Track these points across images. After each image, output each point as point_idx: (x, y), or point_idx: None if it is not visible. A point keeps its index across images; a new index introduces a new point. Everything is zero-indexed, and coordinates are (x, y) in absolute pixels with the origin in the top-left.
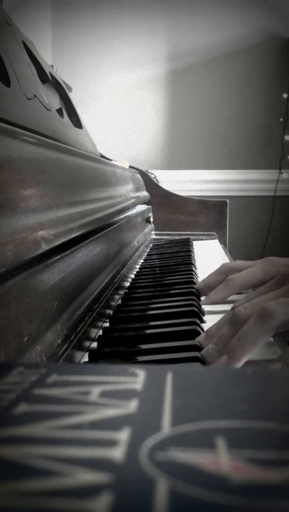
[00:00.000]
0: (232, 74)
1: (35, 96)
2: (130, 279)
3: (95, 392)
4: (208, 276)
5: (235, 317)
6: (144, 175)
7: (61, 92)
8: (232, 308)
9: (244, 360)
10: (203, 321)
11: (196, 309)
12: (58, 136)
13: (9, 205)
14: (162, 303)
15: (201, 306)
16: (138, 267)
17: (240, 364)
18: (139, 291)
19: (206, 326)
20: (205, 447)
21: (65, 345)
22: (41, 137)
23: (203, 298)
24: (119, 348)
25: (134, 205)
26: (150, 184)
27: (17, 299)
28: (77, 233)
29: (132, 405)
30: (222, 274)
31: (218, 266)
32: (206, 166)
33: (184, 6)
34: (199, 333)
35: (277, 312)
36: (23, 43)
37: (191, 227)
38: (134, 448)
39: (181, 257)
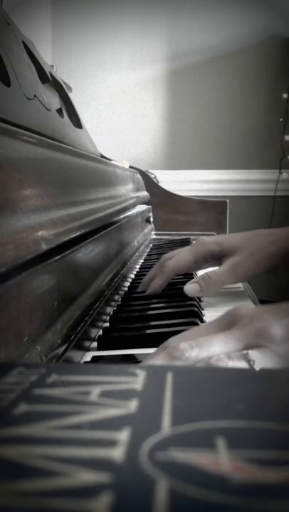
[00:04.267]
0: (232, 74)
1: (35, 96)
2: (130, 279)
3: (95, 392)
4: (150, 271)
5: (176, 352)
6: (144, 175)
7: (61, 92)
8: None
9: None
10: (203, 321)
11: (196, 309)
12: (58, 136)
13: (9, 205)
14: (162, 303)
15: (201, 306)
16: (138, 266)
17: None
18: (139, 290)
19: None
20: (205, 447)
21: (65, 345)
22: (41, 137)
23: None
24: (119, 348)
25: (134, 205)
26: (150, 184)
27: (17, 299)
28: (77, 233)
29: (132, 405)
30: (159, 267)
31: (218, 266)
32: (206, 166)
33: (184, 6)
34: None
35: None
36: (23, 43)
37: (191, 227)
38: (134, 448)
39: None
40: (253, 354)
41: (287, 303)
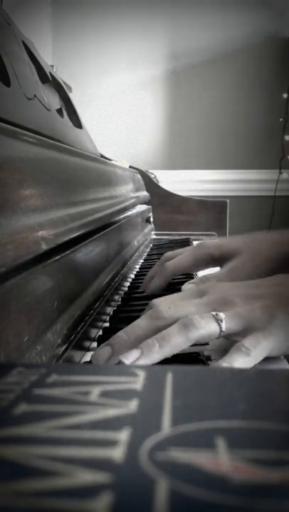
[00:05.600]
0: (232, 74)
1: (35, 96)
2: (130, 279)
3: (95, 392)
4: (151, 269)
5: (156, 312)
6: (144, 175)
7: (61, 92)
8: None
9: (155, 361)
10: None
11: None
12: (58, 136)
13: (9, 205)
14: None
15: None
16: (138, 266)
17: (149, 362)
18: (139, 291)
19: None
20: (205, 447)
21: (65, 345)
22: (41, 137)
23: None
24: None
25: (134, 205)
26: (150, 184)
27: (17, 299)
28: (77, 233)
29: (132, 405)
30: (160, 266)
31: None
32: (206, 166)
33: (184, 6)
34: None
35: (201, 325)
36: (23, 43)
37: (191, 227)
38: (134, 448)
39: None
40: (221, 314)
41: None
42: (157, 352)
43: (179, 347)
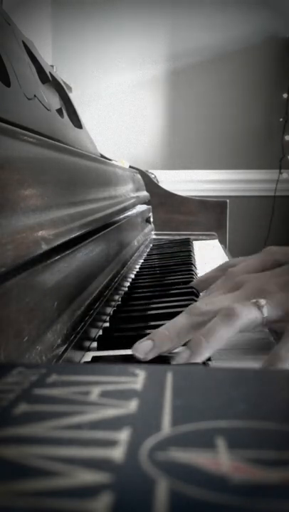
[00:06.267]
0: (232, 74)
1: (35, 96)
2: (130, 279)
3: (95, 392)
4: (208, 272)
5: (194, 309)
6: (144, 175)
7: (61, 92)
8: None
9: (206, 356)
10: None
11: None
12: (58, 136)
13: (9, 205)
14: (162, 303)
15: None
16: (138, 266)
17: (200, 360)
18: (139, 291)
19: None
20: (205, 447)
21: (65, 345)
22: (41, 137)
23: (202, 294)
24: (120, 348)
25: (134, 205)
26: (150, 184)
27: (17, 299)
28: (77, 233)
29: (132, 405)
30: (221, 271)
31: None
32: (206, 166)
33: (184, 6)
34: None
35: (243, 313)
36: (23, 43)
37: (191, 227)
38: (134, 448)
39: (181, 257)
40: (261, 300)
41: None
42: (206, 348)
43: (226, 338)
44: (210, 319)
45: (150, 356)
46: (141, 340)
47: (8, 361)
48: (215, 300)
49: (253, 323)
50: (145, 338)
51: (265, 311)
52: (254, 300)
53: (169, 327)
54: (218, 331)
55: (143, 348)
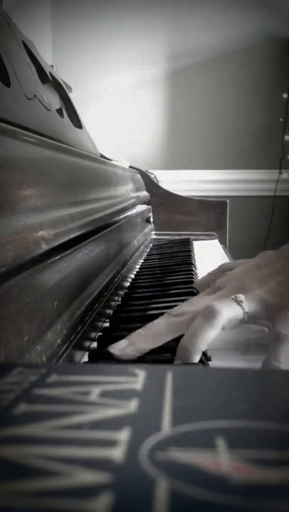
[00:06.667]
0: (232, 74)
1: (35, 96)
2: (130, 279)
3: (95, 392)
4: (207, 274)
5: (172, 311)
6: (144, 175)
7: (61, 92)
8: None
9: (196, 358)
10: None
11: None
12: (58, 136)
13: (9, 205)
14: (162, 303)
15: None
16: (138, 267)
17: (192, 361)
18: (139, 291)
19: None
20: (205, 447)
21: (65, 345)
22: (41, 137)
23: None
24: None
25: (134, 205)
26: (150, 184)
27: (17, 299)
28: (77, 233)
29: (132, 405)
30: (220, 273)
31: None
32: (206, 166)
33: (184, 6)
34: None
35: (223, 309)
36: (23, 43)
37: (191, 227)
38: (134, 448)
39: (181, 257)
40: (239, 295)
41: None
42: (193, 352)
43: (211, 337)
44: (189, 319)
45: (127, 353)
46: (119, 341)
47: (8, 361)
48: (194, 301)
49: (234, 319)
50: (123, 339)
51: (246, 306)
52: (233, 296)
53: (146, 327)
54: (201, 331)
55: (118, 346)
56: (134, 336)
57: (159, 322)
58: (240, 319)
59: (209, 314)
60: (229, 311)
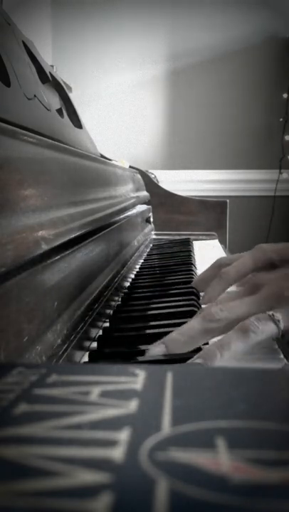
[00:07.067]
0: (232, 74)
1: (35, 96)
2: (130, 279)
3: (95, 392)
4: (204, 271)
5: (208, 315)
6: (144, 175)
7: (61, 92)
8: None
9: (217, 364)
10: None
11: (196, 309)
12: (58, 136)
13: (9, 205)
14: (162, 303)
15: (201, 306)
16: (138, 266)
17: (213, 366)
18: (139, 291)
19: None
20: (205, 447)
21: (65, 345)
22: (41, 137)
23: (202, 294)
24: (120, 348)
25: (134, 205)
26: (150, 184)
27: (17, 299)
28: (77, 233)
29: (132, 405)
30: (216, 269)
31: None
32: (206, 166)
33: (183, 6)
34: None
35: (259, 329)
36: (23, 43)
37: (191, 227)
38: (134, 448)
39: (181, 257)
40: (277, 315)
41: None
42: (219, 360)
43: (240, 353)
44: (225, 326)
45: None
46: (155, 343)
47: (8, 361)
48: (231, 306)
49: (269, 337)
50: (159, 341)
51: (282, 325)
52: (270, 313)
53: (183, 332)
54: (233, 346)
55: (156, 353)
56: (170, 342)
57: (195, 327)
58: (274, 337)
59: (245, 333)
60: (264, 333)
